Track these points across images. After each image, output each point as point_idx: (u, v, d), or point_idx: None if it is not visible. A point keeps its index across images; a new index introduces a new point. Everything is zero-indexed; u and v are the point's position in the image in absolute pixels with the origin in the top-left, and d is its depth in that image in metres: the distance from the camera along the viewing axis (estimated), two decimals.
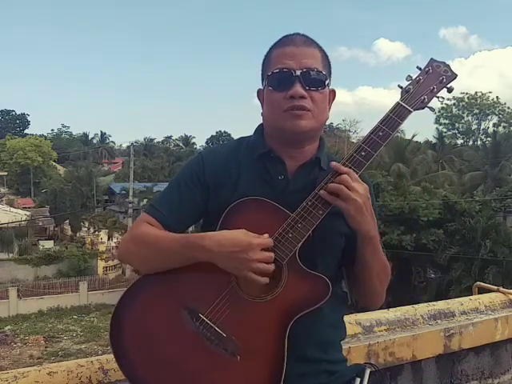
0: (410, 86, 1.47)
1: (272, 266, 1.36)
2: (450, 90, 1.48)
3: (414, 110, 1.45)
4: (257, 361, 1.38)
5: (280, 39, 1.51)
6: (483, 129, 59.54)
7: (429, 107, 1.48)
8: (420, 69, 1.49)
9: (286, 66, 1.44)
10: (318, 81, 1.45)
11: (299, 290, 1.39)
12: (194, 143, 75.41)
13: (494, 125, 57.49)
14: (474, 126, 60.19)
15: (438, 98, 1.48)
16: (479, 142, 53.82)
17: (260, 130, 1.58)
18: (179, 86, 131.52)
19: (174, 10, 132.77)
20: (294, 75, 1.43)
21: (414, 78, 1.48)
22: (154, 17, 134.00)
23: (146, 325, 1.45)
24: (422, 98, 1.45)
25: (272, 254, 1.36)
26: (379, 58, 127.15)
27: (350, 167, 1.41)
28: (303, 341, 1.44)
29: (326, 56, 1.52)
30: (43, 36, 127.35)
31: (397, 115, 1.44)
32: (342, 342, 1.63)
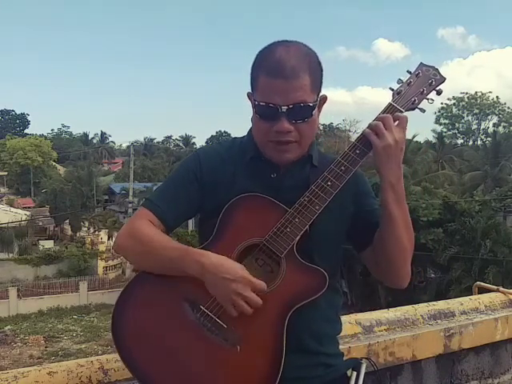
0: (401, 88, 1.51)
1: (251, 310, 1.37)
2: (439, 93, 1.53)
3: (405, 110, 1.49)
4: (256, 351, 1.41)
5: (267, 60, 1.43)
6: (483, 129, 59.67)
7: (419, 108, 1.52)
8: (410, 72, 1.53)
9: (272, 102, 1.41)
10: (304, 113, 1.44)
11: (297, 281, 1.43)
12: (193, 143, 75.44)
13: (494, 125, 57.61)
14: (474, 126, 60.30)
15: (427, 99, 1.52)
16: (479, 142, 53.91)
17: (251, 132, 1.60)
18: (179, 86, 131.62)
19: (174, 10, 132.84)
20: (279, 111, 1.41)
21: (404, 80, 1.52)
22: (154, 17, 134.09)
23: (148, 318, 1.46)
24: (413, 99, 1.50)
25: (260, 301, 1.37)
26: (378, 57, 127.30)
27: (345, 164, 1.45)
28: (300, 332, 1.47)
29: (317, 68, 1.47)
30: (43, 36, 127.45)
31: None
32: (339, 339, 1.66)
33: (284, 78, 1.40)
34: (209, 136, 79.31)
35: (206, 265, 1.39)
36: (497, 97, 59.17)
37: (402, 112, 1.48)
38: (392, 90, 1.52)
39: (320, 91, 1.50)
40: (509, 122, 57.59)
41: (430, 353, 2.44)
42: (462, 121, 59.76)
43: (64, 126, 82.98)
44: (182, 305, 1.43)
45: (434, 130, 48.04)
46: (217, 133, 79.23)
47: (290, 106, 1.41)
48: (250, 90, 1.52)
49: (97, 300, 29.08)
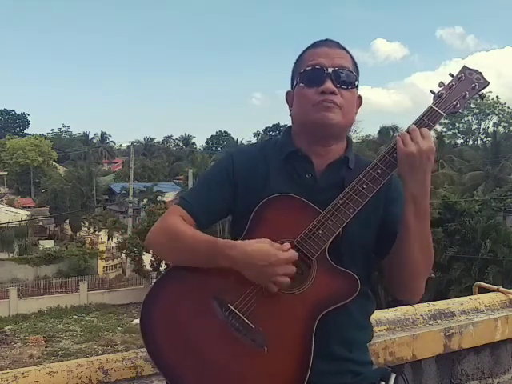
0: (443, 91, 1.49)
1: (288, 280, 1.38)
2: (482, 97, 1.52)
3: (446, 114, 1.48)
4: (284, 353, 1.39)
5: (312, 43, 1.57)
6: (483, 128, 59.61)
7: (460, 112, 1.51)
8: (452, 75, 1.51)
9: (318, 63, 1.49)
10: (348, 80, 1.50)
11: (328, 285, 1.41)
12: (193, 143, 75.45)
13: (494, 125, 57.57)
14: (474, 126, 60.23)
15: (469, 104, 1.52)
16: (479, 142, 53.91)
17: (288, 130, 1.62)
18: (179, 86, 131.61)
19: (174, 10, 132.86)
20: (325, 72, 1.48)
21: (446, 84, 1.50)
22: (153, 17, 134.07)
23: (176, 313, 1.47)
24: (455, 103, 1.48)
25: (294, 268, 1.38)
26: (377, 57, 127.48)
27: (382, 167, 1.44)
28: (328, 338, 1.45)
29: (355, 62, 1.57)
30: (43, 36, 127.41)
31: (429, 119, 1.47)
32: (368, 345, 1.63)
33: (327, 46, 1.53)
34: (209, 136, 79.32)
35: (236, 258, 1.39)
36: (497, 97, 59.09)
37: (442, 115, 1.47)
38: (433, 92, 1.50)
39: (358, 83, 1.56)
40: (509, 121, 57.54)
41: (430, 353, 2.44)
42: (462, 121, 59.69)
43: (64, 126, 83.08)
44: (210, 303, 1.43)
45: (434, 130, 48.03)
46: (217, 133, 79.22)
47: (336, 68, 1.49)
48: (288, 91, 1.60)
49: (97, 300, 29.05)
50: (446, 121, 58.60)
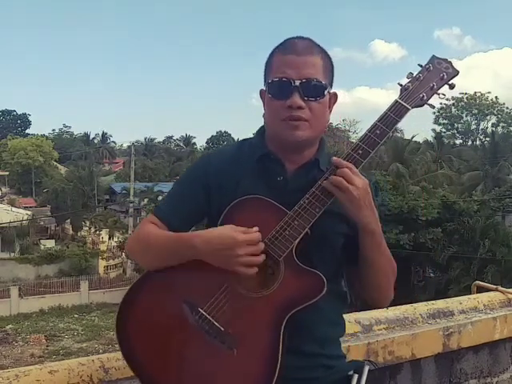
0: (409, 84, 1.46)
1: (261, 257, 1.38)
2: (451, 87, 1.48)
3: (413, 107, 1.45)
4: (253, 354, 1.41)
5: (282, 43, 1.51)
6: (482, 129, 59.63)
7: (428, 104, 1.47)
8: (421, 66, 1.48)
9: (285, 76, 1.45)
10: (316, 91, 1.46)
11: (295, 285, 1.41)
12: (194, 143, 75.44)
13: (493, 125, 57.54)
14: (473, 126, 60.19)
15: (438, 94, 1.47)
16: (478, 142, 53.90)
17: (261, 131, 1.60)
18: (180, 86, 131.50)
19: (174, 9, 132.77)
20: (292, 85, 1.44)
21: (414, 75, 1.47)
22: (154, 17, 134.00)
23: (150, 318, 1.49)
24: (421, 95, 1.45)
25: (259, 247, 1.38)
26: (375, 58, 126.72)
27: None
28: (300, 336, 1.46)
29: (329, 60, 1.53)
30: (44, 36, 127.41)
31: (394, 113, 1.44)
32: (341, 340, 1.65)
33: (296, 53, 1.46)
34: (209, 136, 79.19)
35: (197, 245, 1.41)
36: (496, 97, 59.12)
37: (408, 109, 1.45)
38: (400, 85, 1.47)
39: (331, 83, 1.52)
40: (507, 122, 57.54)
41: (429, 352, 2.45)
42: (461, 121, 59.69)
43: (65, 126, 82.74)
44: (181, 307, 1.45)
45: (433, 130, 48.04)
46: (217, 133, 79.00)
47: (303, 81, 1.44)
48: (263, 87, 1.55)
49: (98, 299, 29.05)
50: (445, 121, 58.67)
